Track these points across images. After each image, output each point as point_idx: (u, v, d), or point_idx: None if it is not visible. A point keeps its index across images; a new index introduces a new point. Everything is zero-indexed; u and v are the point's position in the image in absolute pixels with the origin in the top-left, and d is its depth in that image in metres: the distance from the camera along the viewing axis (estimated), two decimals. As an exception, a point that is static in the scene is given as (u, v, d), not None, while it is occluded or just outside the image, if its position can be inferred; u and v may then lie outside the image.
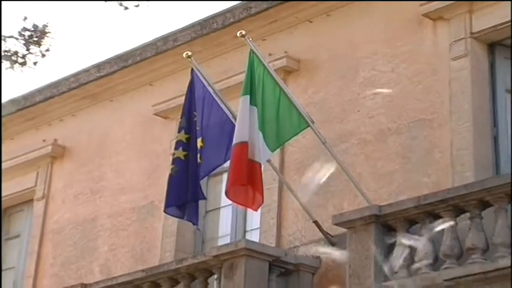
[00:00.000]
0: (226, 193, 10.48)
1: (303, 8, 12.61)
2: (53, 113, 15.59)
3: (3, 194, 15.77)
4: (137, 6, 9.92)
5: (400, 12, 11.72)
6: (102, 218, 14.14)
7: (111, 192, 14.22)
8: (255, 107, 10.51)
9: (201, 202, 11.49)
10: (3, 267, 15.71)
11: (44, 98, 15.56)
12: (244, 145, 10.28)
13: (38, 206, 15.27)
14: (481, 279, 8.91)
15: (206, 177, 11.89)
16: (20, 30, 10.87)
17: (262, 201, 10.58)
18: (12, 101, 15.73)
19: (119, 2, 10.14)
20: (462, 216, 9.46)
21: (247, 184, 10.24)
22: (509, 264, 8.74)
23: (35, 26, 10.89)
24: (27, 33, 10.83)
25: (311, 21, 12.67)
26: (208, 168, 11.00)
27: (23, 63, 10.93)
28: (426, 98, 11.20)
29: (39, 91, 15.67)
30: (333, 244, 10.91)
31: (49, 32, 10.89)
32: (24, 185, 15.61)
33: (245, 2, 13.13)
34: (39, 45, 10.80)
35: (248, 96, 10.54)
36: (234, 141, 10.36)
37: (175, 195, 11.00)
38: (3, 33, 10.91)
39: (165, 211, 11.33)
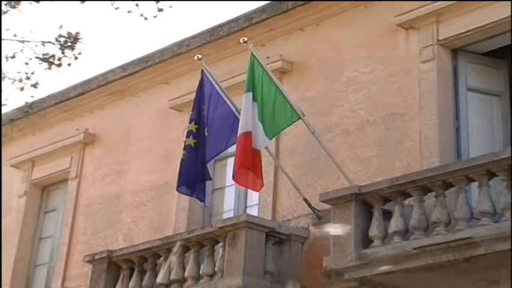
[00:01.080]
0: (233, 176, 10.59)
1: (296, 18, 12.62)
2: (84, 106, 15.62)
3: (43, 174, 15.91)
4: (155, 16, 9.93)
5: (378, 23, 11.73)
6: (126, 195, 14.18)
7: (133, 173, 14.24)
8: (256, 103, 10.54)
9: (209, 182, 11.54)
10: (43, 235, 15.76)
11: (77, 94, 15.61)
12: (248, 135, 10.32)
13: (72, 184, 15.28)
14: (444, 248, 8.94)
15: (213, 162, 11.96)
16: (56, 36, 10.85)
17: (262, 185, 10.71)
18: (51, 96, 15.70)
19: (142, 15, 10.13)
20: (429, 194, 9.49)
21: (251, 168, 10.31)
22: (467, 236, 8.79)
23: (69, 33, 10.89)
24: (62, 39, 10.82)
25: (303, 30, 12.67)
26: (212, 154, 11.04)
27: (59, 65, 10.93)
28: (399, 95, 11.22)
29: (73, 88, 15.70)
30: (319, 218, 10.94)
31: (81, 38, 10.90)
32: (60, 166, 15.61)
33: (247, 13, 13.13)
34: (73, 49, 10.79)
35: (251, 93, 10.58)
36: (240, 132, 10.40)
37: (185, 177, 11.06)
38: (42, 39, 10.91)
39: (177, 190, 11.39)
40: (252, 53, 10.89)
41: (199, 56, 11.76)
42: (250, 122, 10.41)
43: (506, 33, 10.68)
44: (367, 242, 9.74)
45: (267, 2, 13.00)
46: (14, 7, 10.50)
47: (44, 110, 15.80)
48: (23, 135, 16.34)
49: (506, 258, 8.53)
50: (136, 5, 9.68)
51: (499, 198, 8.88)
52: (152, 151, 14.06)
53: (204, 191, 11.18)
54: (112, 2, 9.90)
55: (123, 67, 15.03)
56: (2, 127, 16.07)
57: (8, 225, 15.87)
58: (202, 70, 11.46)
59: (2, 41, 10.74)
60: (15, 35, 10.72)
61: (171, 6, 10.04)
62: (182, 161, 11.15)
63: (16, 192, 16.14)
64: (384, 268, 9.42)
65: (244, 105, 10.59)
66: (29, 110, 15.35)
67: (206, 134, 11.01)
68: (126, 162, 14.54)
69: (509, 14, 10.46)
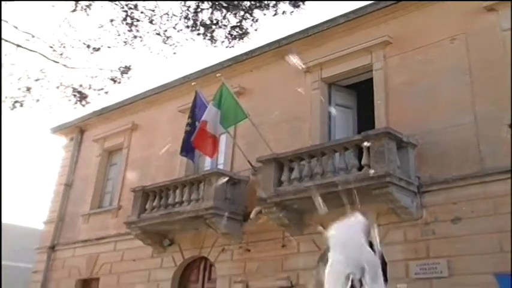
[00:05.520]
0: (191, 143, 10.34)
1: (248, 64, 12.47)
2: (132, 109, 15.14)
3: (110, 145, 15.42)
4: (171, 57, 9.75)
5: (290, 68, 11.59)
6: (153, 157, 13.83)
7: (158, 145, 13.82)
8: (218, 109, 10.37)
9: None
10: (108, 178, 15.31)
11: (128, 103, 15.18)
12: (204, 122, 10.22)
13: (124, 151, 14.81)
14: (320, 187, 8.90)
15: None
16: (118, 67, 10.66)
17: (216, 154, 10.67)
18: (115, 104, 15.37)
19: (164, 56, 9.95)
20: (313, 159, 9.46)
21: (207, 142, 10.14)
22: (332, 180, 8.72)
23: (125, 65, 10.67)
24: (121, 69, 10.59)
25: (251, 71, 12.50)
26: None
27: (119, 83, 10.70)
28: (300, 107, 11.15)
29: (127, 98, 15.30)
30: (255, 171, 10.76)
31: (131, 69, 10.66)
32: (118, 141, 15.13)
33: (221, 62, 12.94)
34: (126, 74, 10.57)
35: (215, 102, 10.43)
36: (201, 120, 10.31)
37: (185, 147, 10.85)
38: (111, 68, 10.66)
39: (180, 154, 11.16)
40: (223, 82, 10.73)
41: (194, 83, 11.63)
42: (210, 116, 10.24)
43: (356, 76, 10.72)
44: (280, 183, 9.70)
45: (234, 56, 12.87)
46: (97, 50, 10.23)
47: (111, 111, 15.51)
48: (100, 124, 15.89)
49: (351, 192, 8.31)
50: (162, 49, 9.50)
51: (349, 161, 8.92)
52: (167, 134, 13.69)
53: (194, 155, 11.01)
54: (150, 48, 9.66)
55: (152, 90, 14.70)
56: (90, 120, 15.82)
57: (90, 172, 15.41)
58: (196, 91, 11.25)
59: (90, 70, 10.54)
60: (96, 65, 10.57)
61: (181, 52, 9.94)
62: (183, 139, 10.94)
63: (95, 154, 15.68)
64: (288, 197, 9.41)
65: (208, 108, 10.44)
66: (103, 111, 15.14)
67: (196, 124, 10.85)
68: (153, 140, 14.18)
69: (353, 67, 10.49)
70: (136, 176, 13.85)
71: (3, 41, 9.00)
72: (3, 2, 8.62)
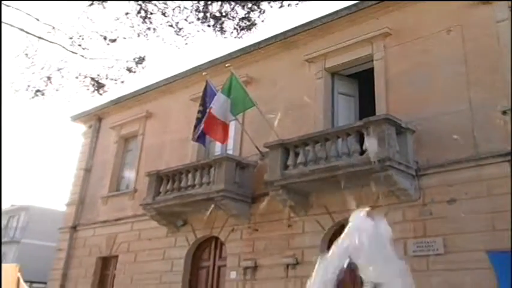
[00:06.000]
0: (202, 130, 10.44)
1: (254, 55, 12.56)
2: (147, 98, 15.33)
3: (126, 132, 15.58)
4: (183, 47, 9.87)
5: (295, 59, 11.73)
6: (166, 143, 14.05)
7: (171, 132, 14.10)
8: (227, 97, 10.46)
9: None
10: (125, 162, 15.57)
11: (143, 92, 15.35)
12: (211, 108, 10.34)
13: (140, 137, 15.01)
14: (323, 170, 9.06)
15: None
16: (133, 58, 10.75)
17: (227, 140, 10.72)
18: (131, 93, 15.55)
19: (177, 46, 10.04)
20: (317, 144, 9.56)
21: (218, 129, 10.24)
22: (335, 164, 8.87)
23: (140, 56, 10.76)
24: (136, 59, 10.69)
25: (257, 61, 12.59)
26: None
27: (135, 73, 10.80)
28: (304, 95, 11.18)
29: (141, 89, 15.48)
30: (263, 156, 10.91)
31: (145, 60, 10.76)
32: (134, 128, 15.27)
33: (230, 52, 13.03)
34: (141, 64, 10.68)
35: (224, 90, 10.53)
36: (210, 106, 10.42)
37: (196, 133, 10.98)
38: (127, 59, 10.76)
39: (192, 139, 11.29)
40: (232, 72, 10.82)
41: (205, 73, 11.71)
42: (217, 104, 10.31)
43: (357, 66, 10.78)
44: (286, 167, 9.84)
45: (239, 48, 12.96)
46: (113, 41, 10.31)
47: (127, 100, 15.67)
48: (117, 112, 16.05)
49: (353, 175, 8.60)
50: (175, 40, 9.63)
51: (351, 146, 9.04)
52: (180, 121, 13.91)
53: (205, 141, 11.15)
54: (163, 39, 9.77)
55: (166, 79, 14.80)
56: (107, 108, 15.98)
57: (109, 158, 15.66)
58: (206, 80, 11.32)
59: (107, 60, 10.65)
60: (112, 55, 10.71)
61: (192, 42, 10.01)
62: (194, 126, 11.04)
63: (112, 141, 15.90)
64: (293, 180, 9.56)
65: (217, 96, 10.54)
66: (119, 100, 15.24)
67: (207, 111, 10.98)
68: (166, 127, 14.37)
69: (354, 57, 10.54)
70: (151, 161, 14.05)
71: (26, 34, 9.17)
72: (3, 2, 8.77)
